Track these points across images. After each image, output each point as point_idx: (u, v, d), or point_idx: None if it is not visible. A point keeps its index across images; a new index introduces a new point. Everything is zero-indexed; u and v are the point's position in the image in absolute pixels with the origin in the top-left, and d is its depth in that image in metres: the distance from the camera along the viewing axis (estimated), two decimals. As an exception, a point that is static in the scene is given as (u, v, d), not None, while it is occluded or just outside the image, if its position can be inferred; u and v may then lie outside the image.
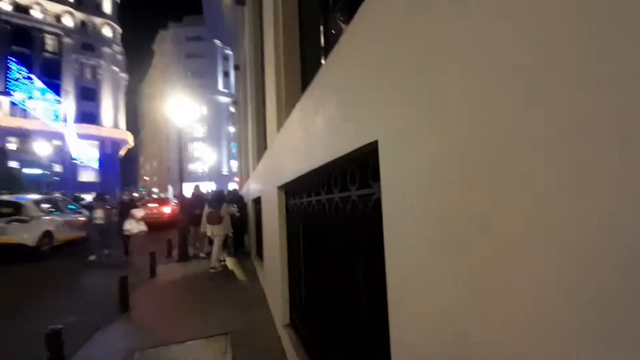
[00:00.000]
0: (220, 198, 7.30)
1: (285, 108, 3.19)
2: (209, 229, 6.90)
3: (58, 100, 37.39)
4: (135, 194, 33.25)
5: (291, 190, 3.10)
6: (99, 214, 8.17)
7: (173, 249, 8.17)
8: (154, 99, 53.71)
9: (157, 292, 5.19)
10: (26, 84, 35.03)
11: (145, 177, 49.48)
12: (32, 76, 34.61)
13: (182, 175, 8.45)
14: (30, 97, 35.21)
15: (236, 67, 11.52)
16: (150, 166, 58.73)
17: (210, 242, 7.17)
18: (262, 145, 6.25)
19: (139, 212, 8.42)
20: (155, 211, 15.32)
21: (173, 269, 6.71)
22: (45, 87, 35.83)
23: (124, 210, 8.26)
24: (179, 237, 7.72)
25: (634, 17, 0.40)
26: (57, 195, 11.01)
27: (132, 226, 8.00)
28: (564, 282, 0.49)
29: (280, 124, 3.24)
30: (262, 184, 4.85)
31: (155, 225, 13.54)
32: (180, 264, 7.24)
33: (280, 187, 3.31)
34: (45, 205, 9.10)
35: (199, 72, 46.15)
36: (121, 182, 39.62)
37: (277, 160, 3.27)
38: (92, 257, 7.81)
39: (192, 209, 8.05)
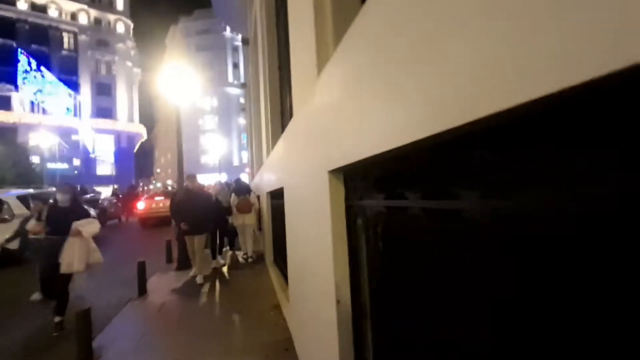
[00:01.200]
0: (245, 185, 6.94)
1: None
2: (239, 218, 6.36)
3: (70, 94, 34.70)
4: (140, 186, 32.06)
5: (363, 179, 1.47)
6: (32, 225, 3.96)
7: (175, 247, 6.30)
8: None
9: (142, 324, 3.63)
10: (36, 77, 31.98)
11: (157, 170, 48.27)
12: (43, 69, 31.26)
13: (180, 165, 6.47)
14: (40, 91, 32.06)
15: (245, 42, 9.81)
16: (165, 159, 57.73)
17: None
18: (279, 118, 4.78)
19: (89, 226, 3.61)
20: (162, 205, 12.65)
21: (170, 281, 5.06)
22: (56, 79, 32.56)
23: (126, 203, 6.76)
24: (177, 241, 5.97)
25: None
26: (51, 189, 9.27)
27: (72, 257, 3.40)
28: None
29: (325, 58, 1.64)
30: (285, 170, 3.16)
31: (162, 220, 12.18)
32: (180, 273, 5.55)
33: (335, 172, 1.65)
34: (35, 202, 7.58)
35: (209, 64, 44.60)
36: (136, 175, 38.58)
37: (327, 123, 1.61)
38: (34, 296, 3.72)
39: (185, 210, 5.13)
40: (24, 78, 29.58)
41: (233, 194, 6.54)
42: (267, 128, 5.26)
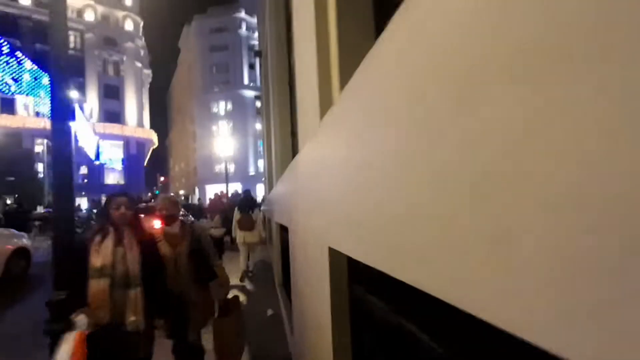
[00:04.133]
0: (251, 200, 7.15)
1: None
2: (240, 236, 6.70)
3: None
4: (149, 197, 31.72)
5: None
6: None
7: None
8: (182, 97, 53.52)
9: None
10: (9, 64, 26.99)
11: (161, 178, 48.97)
12: (20, 54, 26.30)
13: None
14: (16, 80, 27.07)
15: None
16: (179, 168, 58.87)
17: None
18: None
19: None
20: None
21: None
22: (37, 68, 27.37)
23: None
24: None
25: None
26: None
27: None
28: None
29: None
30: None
31: None
32: None
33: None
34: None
35: (224, 65, 45.24)
36: (146, 185, 39.15)
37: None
38: None
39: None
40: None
41: (236, 209, 6.87)
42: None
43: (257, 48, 37.51)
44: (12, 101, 33.02)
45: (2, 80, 25.60)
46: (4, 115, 33.46)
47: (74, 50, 38.34)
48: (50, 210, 16.95)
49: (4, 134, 32.71)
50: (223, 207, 9.59)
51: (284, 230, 4.38)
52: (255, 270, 6.80)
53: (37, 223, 14.94)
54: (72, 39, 38.48)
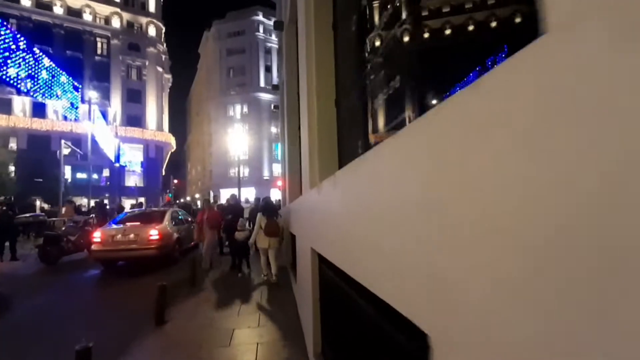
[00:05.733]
0: (273, 206, 7.60)
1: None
2: (264, 242, 7.10)
3: (77, 88, 28.86)
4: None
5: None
6: None
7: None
8: (200, 102, 55.97)
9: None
10: (25, 60, 25.82)
11: (174, 180, 51.36)
12: (37, 51, 25.57)
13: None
14: (32, 77, 26.09)
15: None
16: (195, 171, 61.32)
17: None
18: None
19: None
20: (134, 236, 9.15)
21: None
22: (55, 66, 26.54)
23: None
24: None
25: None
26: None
27: None
28: None
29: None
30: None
31: (135, 261, 9.28)
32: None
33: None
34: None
35: (240, 68, 47.27)
36: (162, 187, 41.50)
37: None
38: None
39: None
40: (7, 58, 23.78)
41: (260, 214, 7.29)
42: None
43: (274, 51, 38.84)
44: (43, 105, 35.83)
45: (18, 77, 25.83)
46: (35, 119, 36.70)
47: (101, 57, 41.40)
48: (36, 214, 17.55)
49: (34, 136, 35.91)
50: (219, 222, 9.69)
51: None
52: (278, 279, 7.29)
53: (20, 228, 14.60)
54: (99, 45, 41.56)
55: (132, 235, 9.18)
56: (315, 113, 3.24)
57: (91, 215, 13.30)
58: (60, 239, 10.53)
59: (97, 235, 9.33)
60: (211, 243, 9.38)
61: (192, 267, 7.40)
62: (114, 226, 9.82)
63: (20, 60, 24.98)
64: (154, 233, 9.17)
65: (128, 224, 9.87)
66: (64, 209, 17.22)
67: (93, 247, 9.25)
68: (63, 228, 11.90)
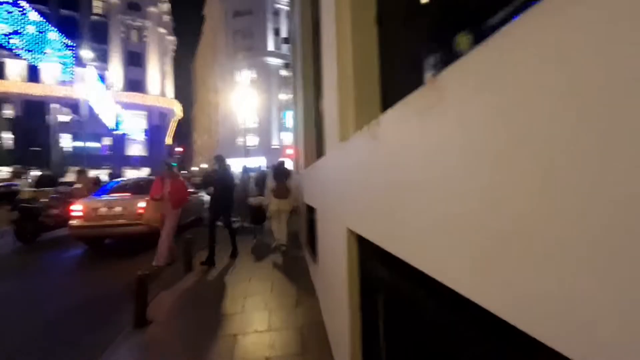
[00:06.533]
0: (285, 170, 7.57)
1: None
2: (275, 204, 7.27)
3: (70, 46, 27.22)
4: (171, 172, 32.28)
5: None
6: None
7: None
8: (206, 67, 53.89)
9: None
10: (11, 13, 23.99)
11: (177, 149, 49.98)
12: (24, 4, 23.56)
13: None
14: (17, 32, 24.05)
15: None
16: (202, 141, 59.98)
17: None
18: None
19: None
20: (122, 209, 7.76)
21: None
22: (45, 21, 24.60)
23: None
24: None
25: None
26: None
27: None
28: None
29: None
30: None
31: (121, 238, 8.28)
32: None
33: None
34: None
35: (248, 31, 44.88)
36: (167, 156, 40.23)
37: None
38: None
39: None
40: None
41: (271, 178, 7.44)
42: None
43: (281, 12, 36.64)
44: (36, 68, 34.10)
45: (2, 32, 22.66)
46: (31, 84, 35.00)
47: (98, 16, 39.22)
48: (9, 183, 16.24)
49: (30, 102, 34.40)
50: (186, 198, 7.02)
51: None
52: (287, 245, 7.32)
53: None
54: (96, 3, 39.31)
55: (118, 208, 7.71)
56: (348, 35, 2.06)
57: (76, 185, 11.08)
58: (38, 213, 9.09)
59: (76, 209, 7.78)
60: (172, 229, 6.54)
61: (186, 249, 6.07)
62: (98, 198, 8.23)
63: (4, 13, 23.39)
64: (143, 205, 7.28)
65: (116, 195, 8.35)
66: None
67: (72, 222, 7.73)
68: (43, 199, 10.26)
